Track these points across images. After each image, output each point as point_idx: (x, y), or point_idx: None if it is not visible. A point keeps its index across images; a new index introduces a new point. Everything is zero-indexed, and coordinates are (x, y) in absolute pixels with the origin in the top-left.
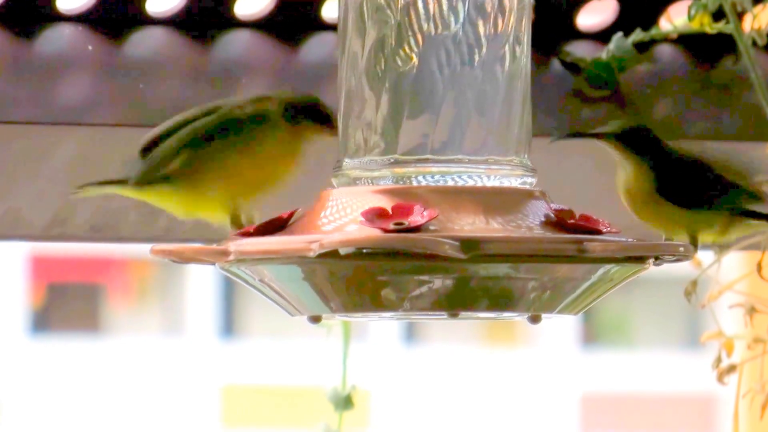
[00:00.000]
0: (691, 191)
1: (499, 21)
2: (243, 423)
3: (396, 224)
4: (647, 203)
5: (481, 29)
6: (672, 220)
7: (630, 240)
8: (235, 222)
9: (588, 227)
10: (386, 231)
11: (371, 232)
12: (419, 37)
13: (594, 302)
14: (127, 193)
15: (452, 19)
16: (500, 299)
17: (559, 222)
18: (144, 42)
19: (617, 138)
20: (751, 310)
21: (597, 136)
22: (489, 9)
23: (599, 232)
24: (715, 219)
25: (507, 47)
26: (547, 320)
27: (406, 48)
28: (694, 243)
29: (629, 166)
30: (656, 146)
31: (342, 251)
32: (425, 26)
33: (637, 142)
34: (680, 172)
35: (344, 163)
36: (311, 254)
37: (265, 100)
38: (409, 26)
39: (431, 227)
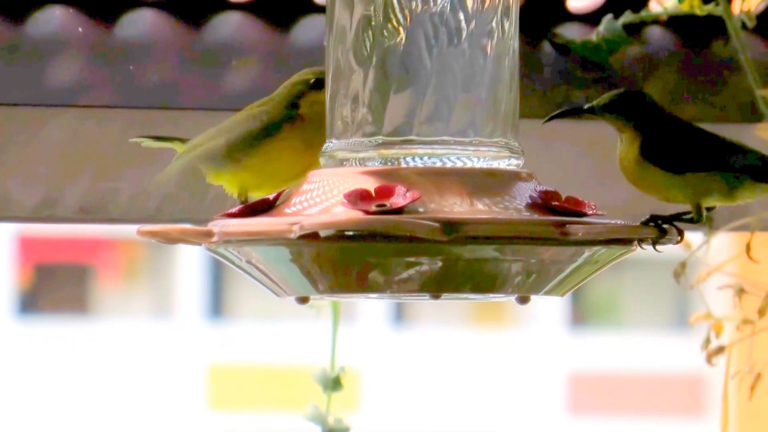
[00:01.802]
0: (679, 155)
1: None
2: (231, 405)
3: (378, 206)
4: (637, 171)
5: (469, 3)
6: (665, 186)
7: (615, 222)
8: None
9: (573, 209)
10: (368, 213)
11: (352, 214)
12: (406, 12)
13: (581, 284)
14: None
15: None
16: (485, 281)
17: (545, 204)
18: (134, 24)
19: (604, 109)
20: (740, 292)
21: (586, 110)
22: None
23: (584, 214)
24: (712, 183)
25: (494, 24)
26: (536, 301)
27: (393, 23)
28: (698, 211)
29: (621, 134)
30: (646, 112)
31: (322, 233)
32: (412, 2)
33: (626, 109)
34: (668, 136)
35: (331, 145)
36: (292, 236)
37: (296, 84)
38: (396, 2)
39: (420, 209)
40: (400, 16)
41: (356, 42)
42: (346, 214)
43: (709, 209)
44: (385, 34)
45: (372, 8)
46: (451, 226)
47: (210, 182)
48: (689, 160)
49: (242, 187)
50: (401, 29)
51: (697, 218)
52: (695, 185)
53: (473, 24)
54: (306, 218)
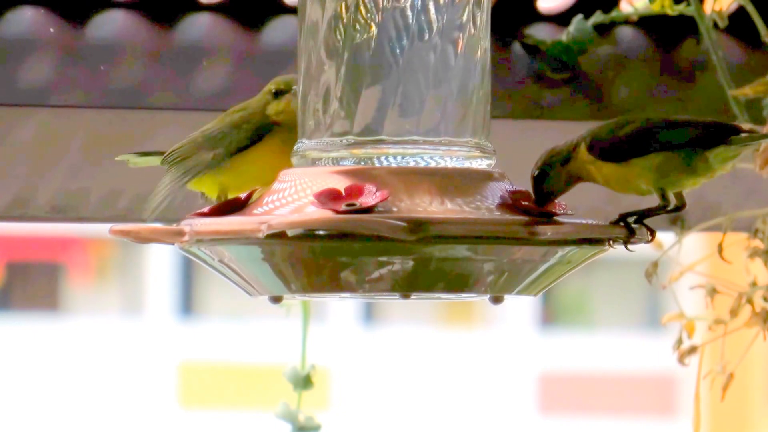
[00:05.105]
0: (618, 143)
1: None
2: (202, 403)
3: (348, 205)
4: (593, 171)
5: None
6: (623, 178)
7: (583, 222)
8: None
9: (543, 209)
10: (337, 212)
11: (321, 214)
12: (376, 7)
13: (553, 283)
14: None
15: None
16: (457, 280)
17: (515, 204)
18: (106, 24)
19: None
20: (712, 292)
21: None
22: None
23: (554, 214)
24: (664, 164)
25: (465, 21)
26: (507, 301)
27: (364, 17)
28: (664, 197)
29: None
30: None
31: (290, 232)
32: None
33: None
34: (608, 130)
35: (303, 144)
36: (260, 235)
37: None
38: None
39: (394, 208)
40: (371, 8)
41: (328, 34)
42: (314, 213)
43: (680, 207)
44: (357, 24)
45: (343, 7)
46: (417, 226)
47: (191, 189)
48: (629, 147)
49: (222, 190)
50: (372, 22)
51: (665, 204)
52: (649, 170)
53: (444, 22)
54: (274, 218)
